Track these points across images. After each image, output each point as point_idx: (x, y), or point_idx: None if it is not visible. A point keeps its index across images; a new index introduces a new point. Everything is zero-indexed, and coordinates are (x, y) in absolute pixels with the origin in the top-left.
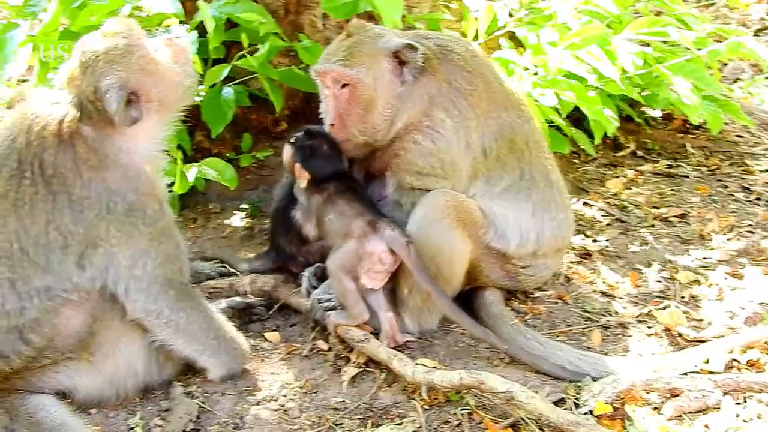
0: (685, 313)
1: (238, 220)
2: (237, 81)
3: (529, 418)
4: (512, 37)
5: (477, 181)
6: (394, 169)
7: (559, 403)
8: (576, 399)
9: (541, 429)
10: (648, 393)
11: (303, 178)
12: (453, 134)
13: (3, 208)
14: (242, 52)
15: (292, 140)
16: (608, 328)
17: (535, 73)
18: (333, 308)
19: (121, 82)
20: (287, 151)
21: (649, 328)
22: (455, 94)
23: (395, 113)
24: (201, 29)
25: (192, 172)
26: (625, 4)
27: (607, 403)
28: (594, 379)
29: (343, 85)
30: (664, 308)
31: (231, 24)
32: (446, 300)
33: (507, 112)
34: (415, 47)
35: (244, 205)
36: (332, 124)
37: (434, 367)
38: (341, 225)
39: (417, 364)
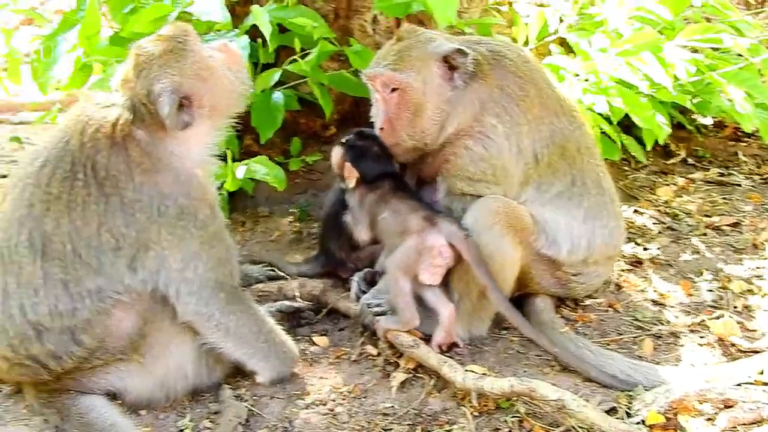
0: (738, 323)
1: (286, 223)
2: (287, 85)
3: (580, 427)
4: (563, 42)
5: (528, 187)
6: (445, 174)
7: (611, 412)
8: (628, 408)
9: None
10: (701, 403)
11: (351, 178)
12: (504, 140)
13: (56, 210)
14: (293, 57)
15: (342, 140)
16: (660, 337)
17: (586, 80)
18: (382, 313)
19: (174, 86)
20: (337, 152)
21: (702, 338)
22: (507, 99)
23: (445, 118)
24: (251, 34)
25: (241, 170)
26: (677, 11)
27: (659, 413)
28: (646, 389)
29: (393, 89)
30: (717, 318)
31: (281, 29)
32: (501, 296)
33: (558, 118)
34: (465, 52)
35: (292, 209)
36: (382, 128)
37: (484, 374)
38: (397, 222)
39: (467, 370)
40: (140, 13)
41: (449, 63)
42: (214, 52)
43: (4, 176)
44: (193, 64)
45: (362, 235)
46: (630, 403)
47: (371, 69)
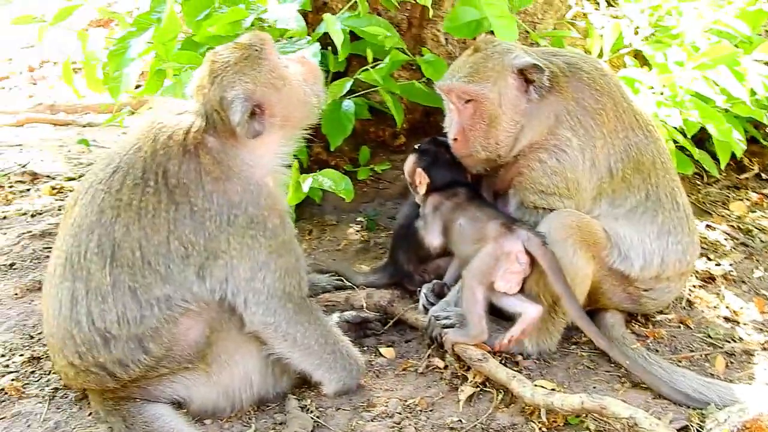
0: None
1: (353, 232)
2: (357, 94)
3: None
4: (637, 55)
5: (601, 201)
6: (518, 187)
7: (683, 430)
8: (700, 427)
9: None
10: None
11: (423, 184)
12: (579, 153)
13: (127, 216)
14: (366, 67)
15: (416, 147)
16: (732, 354)
17: (661, 93)
18: (450, 326)
19: (247, 94)
20: (410, 159)
21: None
22: (582, 112)
23: (520, 130)
24: (322, 41)
25: (307, 182)
26: (756, 25)
27: None
28: (719, 408)
29: (468, 101)
30: None
31: (353, 37)
32: (576, 305)
33: (634, 132)
34: (541, 68)
35: (360, 218)
36: (455, 139)
37: (553, 389)
38: (474, 230)
39: (536, 385)
40: (215, 18)
41: (525, 76)
42: (291, 63)
43: (72, 178)
44: (267, 73)
45: (434, 242)
46: (702, 421)
47: (446, 81)
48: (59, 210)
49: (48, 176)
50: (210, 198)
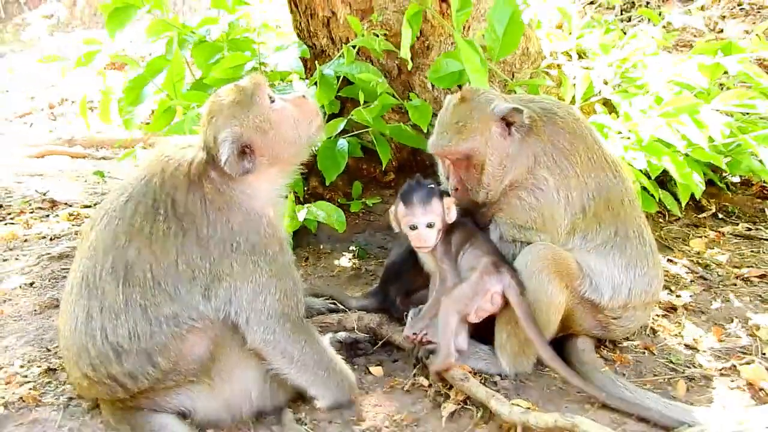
0: (767, 368)
1: (346, 260)
2: (351, 134)
3: None
4: (606, 102)
5: (575, 235)
6: (498, 221)
7: None
8: None
9: None
10: None
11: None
12: (555, 191)
13: (139, 241)
14: (358, 108)
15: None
16: (693, 379)
17: (627, 138)
18: (434, 351)
19: (234, 137)
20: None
21: (732, 381)
22: (558, 154)
23: (506, 172)
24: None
25: (302, 213)
26: (713, 77)
27: None
28: (681, 428)
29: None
30: (747, 363)
31: (347, 81)
32: (548, 350)
33: (605, 172)
34: (520, 110)
35: (352, 247)
36: (456, 189)
37: (528, 408)
38: (471, 258)
39: (513, 404)
40: (221, 62)
41: (506, 120)
42: (286, 104)
43: (88, 206)
44: (255, 116)
45: (446, 267)
46: None
47: (438, 144)
48: (76, 234)
49: (66, 203)
50: (214, 226)
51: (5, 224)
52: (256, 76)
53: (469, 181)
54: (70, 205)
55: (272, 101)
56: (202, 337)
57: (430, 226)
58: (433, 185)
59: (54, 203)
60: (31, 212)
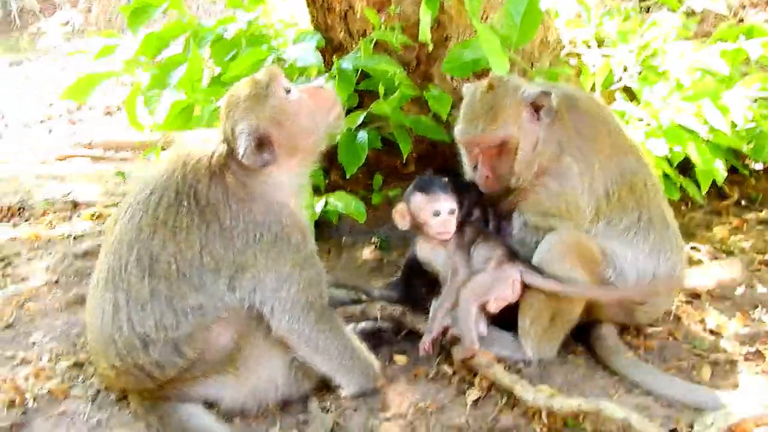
0: None
1: (368, 252)
2: (371, 126)
3: None
4: (626, 90)
5: (598, 222)
6: (522, 209)
7: None
8: (689, 429)
9: None
10: (758, 427)
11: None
12: (579, 177)
13: (163, 233)
14: (377, 101)
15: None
16: (717, 364)
17: (648, 124)
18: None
19: (250, 129)
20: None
21: (757, 366)
22: (581, 139)
23: (536, 157)
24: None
25: (319, 204)
26: (734, 63)
27: None
28: (706, 412)
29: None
30: None
31: (365, 74)
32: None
33: (627, 157)
34: (548, 93)
35: (374, 239)
36: (487, 177)
37: (553, 394)
38: (485, 251)
39: (537, 390)
40: (239, 59)
41: (535, 105)
42: (303, 95)
43: (110, 206)
44: (270, 108)
45: (459, 264)
46: (690, 425)
47: (470, 133)
48: (99, 233)
49: (87, 204)
50: (237, 217)
51: (28, 225)
52: (272, 68)
53: (500, 169)
54: (92, 206)
55: (288, 92)
56: (227, 327)
57: (452, 212)
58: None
59: (76, 204)
60: (54, 213)
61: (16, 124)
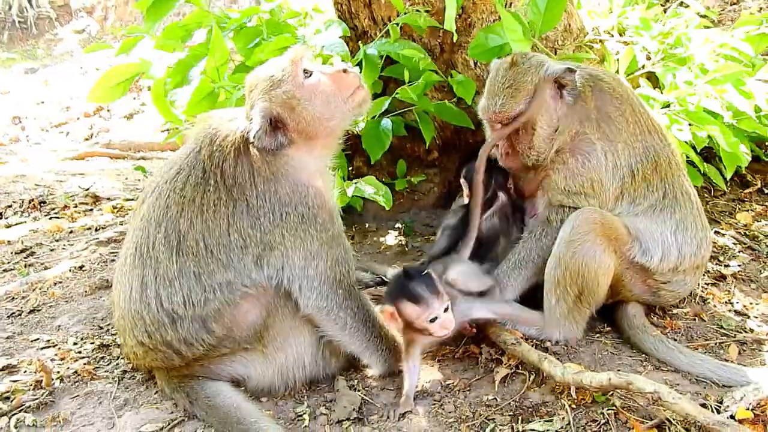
0: None
1: (392, 238)
2: (395, 113)
3: (674, 419)
4: (650, 77)
5: (623, 200)
6: (546, 188)
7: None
8: (718, 405)
9: (686, 429)
10: None
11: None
12: (602, 156)
13: (191, 212)
14: (402, 87)
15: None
16: (744, 343)
17: (668, 105)
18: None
19: (263, 112)
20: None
21: None
22: (605, 118)
23: (557, 135)
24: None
25: (351, 188)
26: (759, 49)
27: (748, 409)
28: (735, 387)
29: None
30: None
31: (390, 61)
32: None
33: (651, 136)
34: (573, 70)
35: (397, 225)
36: (507, 153)
37: (581, 370)
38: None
39: (565, 366)
40: (264, 46)
41: (559, 83)
42: (323, 79)
43: (130, 200)
44: (284, 92)
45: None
46: (719, 400)
47: (490, 108)
48: (121, 224)
49: (108, 198)
50: (263, 197)
51: (50, 218)
52: (297, 49)
53: (520, 146)
54: (113, 200)
55: (309, 75)
56: (255, 304)
57: (446, 309)
58: (425, 268)
59: (97, 198)
60: (75, 207)
61: (34, 128)
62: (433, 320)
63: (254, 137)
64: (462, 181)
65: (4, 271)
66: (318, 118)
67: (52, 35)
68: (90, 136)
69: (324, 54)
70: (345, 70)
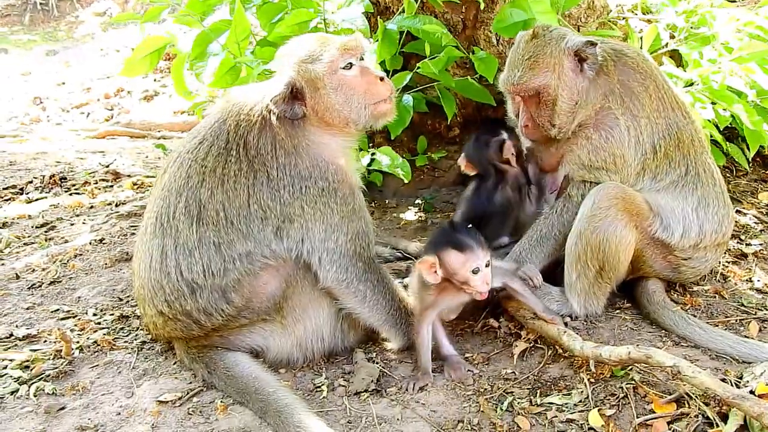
0: None
1: (411, 214)
2: (416, 89)
3: (693, 393)
4: (673, 55)
5: (644, 176)
6: (567, 162)
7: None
8: (737, 381)
9: (705, 403)
10: None
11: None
12: (625, 131)
13: (211, 182)
14: (424, 61)
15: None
16: (765, 321)
17: (691, 83)
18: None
19: (290, 80)
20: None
21: None
22: (628, 93)
23: (577, 109)
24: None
25: (366, 158)
26: None
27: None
28: (755, 363)
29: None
30: None
31: (411, 37)
32: None
33: (674, 112)
34: (594, 43)
35: (417, 201)
36: (526, 126)
37: (600, 345)
38: None
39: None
40: (286, 20)
41: (579, 56)
42: (356, 77)
43: (150, 176)
44: (314, 72)
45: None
46: (739, 375)
47: (510, 80)
48: (141, 199)
49: (128, 175)
50: (283, 169)
51: (70, 194)
52: (357, 39)
53: (539, 118)
54: (134, 176)
55: (348, 67)
56: (274, 275)
57: (488, 264)
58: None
59: (117, 175)
60: (95, 183)
61: (54, 108)
62: (475, 272)
63: (272, 100)
64: (461, 157)
65: (25, 244)
66: (336, 109)
67: (73, 17)
68: (110, 117)
69: (344, 28)
70: (382, 78)
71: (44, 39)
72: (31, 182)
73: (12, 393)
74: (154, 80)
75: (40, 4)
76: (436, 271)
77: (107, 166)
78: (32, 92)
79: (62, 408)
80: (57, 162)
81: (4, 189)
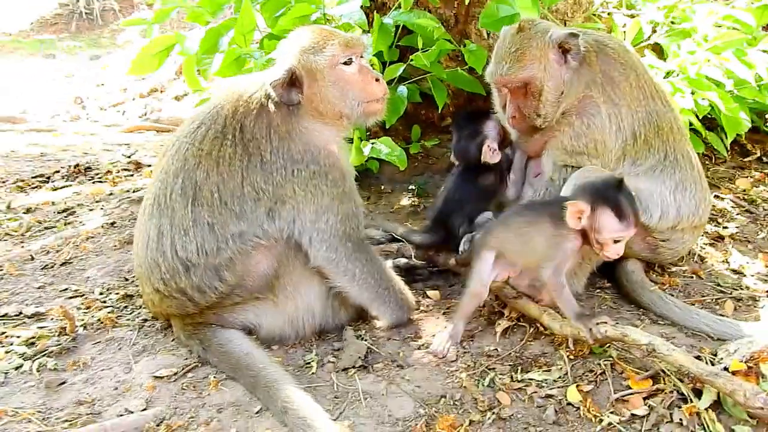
0: None
1: (405, 199)
2: (410, 81)
3: (668, 371)
4: (654, 48)
5: (624, 161)
6: (551, 148)
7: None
8: (712, 357)
9: (680, 380)
10: None
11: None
12: (606, 118)
13: (207, 164)
14: (417, 53)
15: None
16: (740, 300)
17: (670, 74)
18: None
19: (290, 66)
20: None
21: None
22: (609, 82)
23: (562, 99)
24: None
25: (367, 147)
26: (761, 21)
27: (741, 361)
28: (729, 341)
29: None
30: None
31: (405, 30)
32: None
33: (654, 101)
34: (576, 34)
35: (411, 187)
36: (513, 116)
37: None
38: None
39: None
40: (287, 14)
41: (563, 48)
42: (353, 74)
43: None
44: (314, 62)
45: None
46: (714, 352)
47: (497, 73)
48: None
49: (149, 166)
50: (276, 153)
51: (93, 183)
52: (361, 39)
53: (526, 109)
54: (153, 166)
55: (347, 63)
56: (266, 255)
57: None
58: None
59: (139, 165)
60: (117, 173)
61: (93, 107)
62: (617, 241)
63: (271, 84)
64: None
65: (45, 228)
66: (331, 101)
67: (115, 26)
68: (144, 115)
69: (345, 23)
70: (378, 79)
71: (89, 45)
72: (57, 172)
73: (16, 368)
74: (184, 81)
75: (86, 14)
76: (580, 218)
77: (129, 157)
78: (74, 92)
79: (63, 383)
80: (84, 153)
81: (32, 177)
